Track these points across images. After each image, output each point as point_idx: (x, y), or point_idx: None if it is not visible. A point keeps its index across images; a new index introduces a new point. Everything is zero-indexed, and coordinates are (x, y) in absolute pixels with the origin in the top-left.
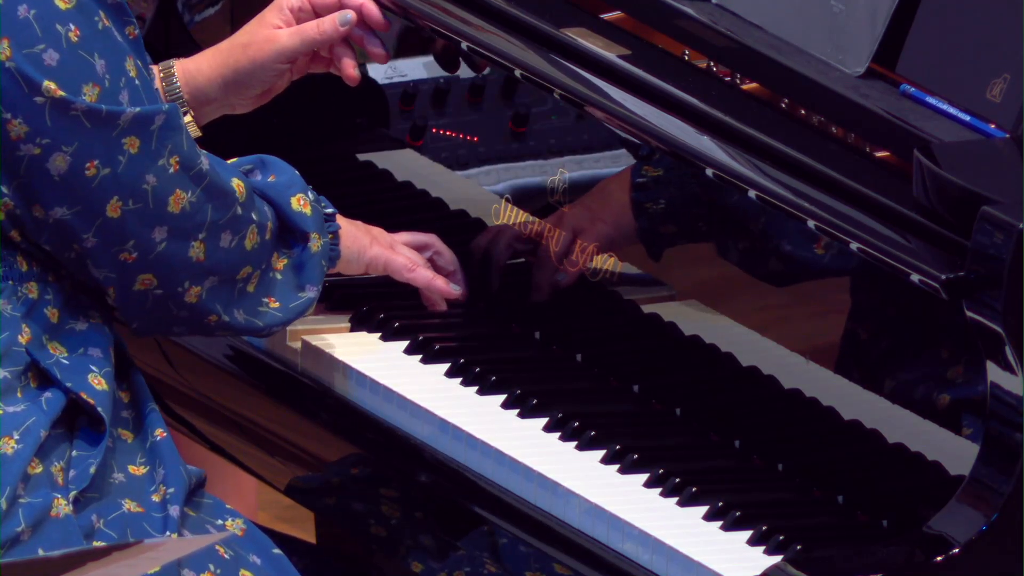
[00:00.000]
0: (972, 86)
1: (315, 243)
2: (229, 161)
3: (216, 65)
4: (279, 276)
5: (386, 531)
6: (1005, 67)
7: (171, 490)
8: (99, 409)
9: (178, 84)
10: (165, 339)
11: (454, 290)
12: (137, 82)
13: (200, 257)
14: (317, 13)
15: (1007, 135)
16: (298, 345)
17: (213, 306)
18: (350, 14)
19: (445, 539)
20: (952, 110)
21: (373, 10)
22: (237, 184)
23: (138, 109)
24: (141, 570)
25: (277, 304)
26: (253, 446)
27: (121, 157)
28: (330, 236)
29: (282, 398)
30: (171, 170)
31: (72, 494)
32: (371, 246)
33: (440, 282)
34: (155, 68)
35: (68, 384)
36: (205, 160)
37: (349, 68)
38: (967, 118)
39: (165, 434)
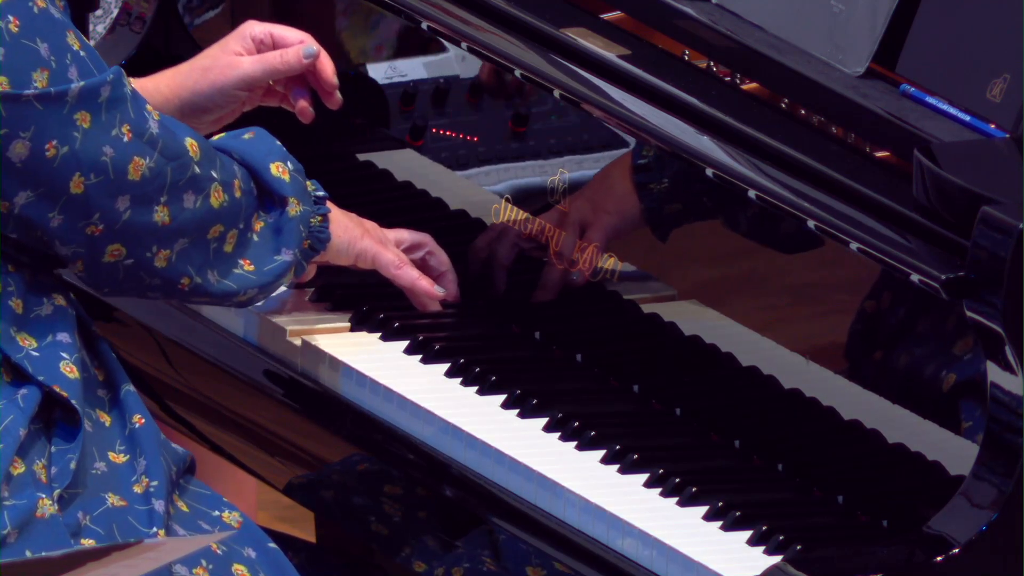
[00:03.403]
0: (972, 86)
1: (293, 208)
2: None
3: (175, 86)
4: (256, 238)
5: (387, 530)
6: (1005, 67)
7: (154, 483)
8: (73, 401)
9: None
10: (165, 339)
11: (438, 291)
12: (82, 53)
13: (165, 220)
14: (277, 46)
15: (1007, 135)
16: (298, 345)
17: (184, 268)
18: (314, 47)
19: (445, 538)
20: (952, 110)
21: (326, 65)
22: (191, 143)
23: (83, 83)
24: (141, 570)
25: (252, 267)
26: (253, 446)
27: (76, 133)
28: (320, 218)
29: (282, 398)
30: (125, 139)
31: (56, 492)
32: (362, 238)
33: (424, 283)
34: None
35: (41, 378)
36: (155, 124)
37: (303, 105)
38: (967, 118)
39: (144, 420)
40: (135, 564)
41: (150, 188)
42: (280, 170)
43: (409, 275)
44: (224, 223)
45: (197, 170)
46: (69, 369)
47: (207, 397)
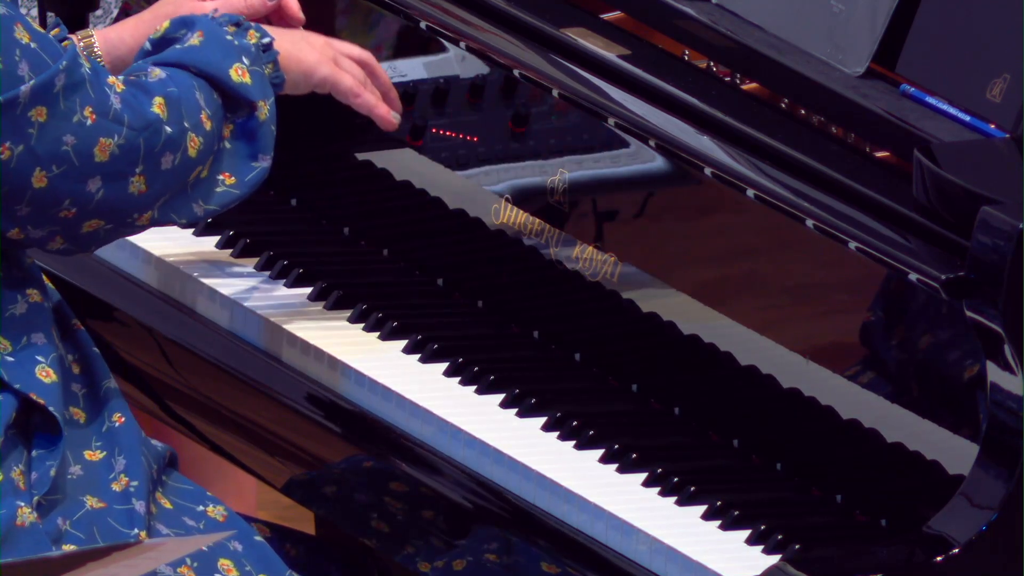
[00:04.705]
0: (972, 86)
1: (262, 111)
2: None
3: (139, 35)
4: (228, 145)
5: (387, 528)
6: (1005, 67)
7: (134, 483)
8: (51, 409)
9: (99, 54)
10: (165, 339)
11: (395, 118)
12: (33, 45)
13: (142, 189)
14: None
15: (1007, 135)
16: (296, 343)
17: (169, 216)
18: None
19: (444, 537)
20: (952, 110)
21: (291, 3)
22: (158, 104)
23: (33, 82)
24: (141, 570)
25: (233, 179)
26: (252, 445)
27: (31, 130)
28: (271, 66)
29: (281, 397)
30: (88, 122)
31: (35, 499)
32: (317, 67)
33: (383, 109)
34: (74, 37)
35: (17, 385)
36: (116, 98)
37: None
38: (967, 118)
39: (124, 419)
40: (135, 564)
41: (122, 164)
42: (241, 72)
43: (368, 101)
44: (202, 163)
45: (169, 130)
46: (45, 374)
47: (207, 397)
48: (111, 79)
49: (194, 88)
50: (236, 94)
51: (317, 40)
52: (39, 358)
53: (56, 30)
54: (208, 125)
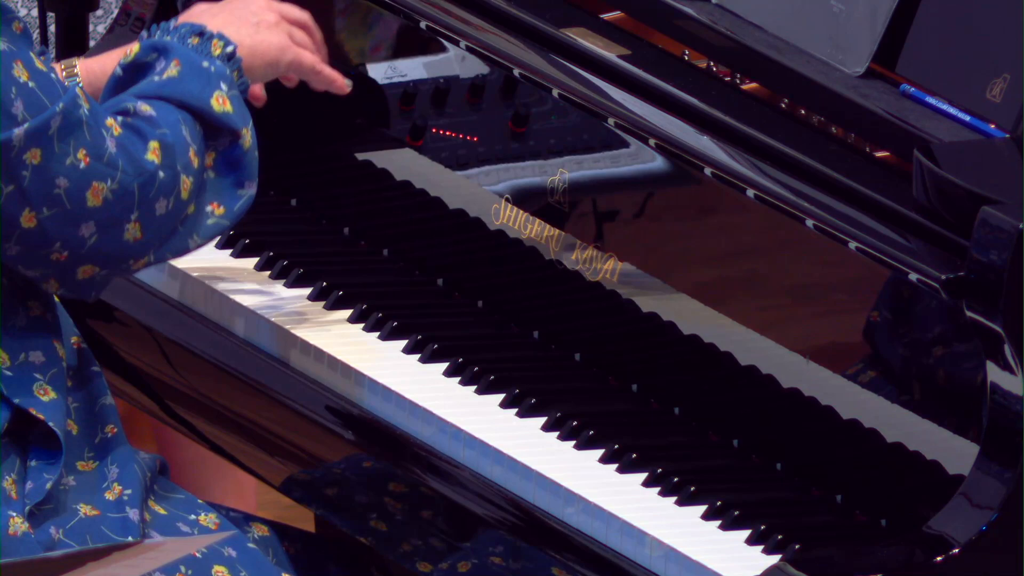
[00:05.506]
0: (972, 86)
1: (245, 139)
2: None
3: None
4: (212, 174)
5: (387, 528)
6: (1005, 67)
7: (128, 491)
8: (51, 424)
9: (80, 85)
10: (165, 339)
11: (347, 84)
12: (31, 84)
13: (138, 236)
14: None
15: (1007, 135)
16: (296, 344)
17: (164, 256)
18: None
19: (444, 537)
20: (952, 110)
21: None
22: (153, 149)
23: (27, 125)
24: (141, 570)
25: (222, 210)
26: (252, 445)
27: (25, 172)
28: (236, 72)
29: (281, 397)
30: (82, 165)
31: (27, 508)
32: (280, 56)
33: (341, 81)
34: (57, 66)
35: (16, 400)
36: (112, 142)
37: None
38: (967, 118)
39: (116, 430)
40: (135, 564)
41: (116, 210)
42: (222, 101)
43: (329, 74)
44: (193, 201)
45: (163, 176)
46: (43, 391)
47: (207, 397)
48: (109, 121)
49: (180, 123)
50: (219, 124)
51: (267, 15)
52: (36, 375)
53: (42, 58)
54: (196, 162)
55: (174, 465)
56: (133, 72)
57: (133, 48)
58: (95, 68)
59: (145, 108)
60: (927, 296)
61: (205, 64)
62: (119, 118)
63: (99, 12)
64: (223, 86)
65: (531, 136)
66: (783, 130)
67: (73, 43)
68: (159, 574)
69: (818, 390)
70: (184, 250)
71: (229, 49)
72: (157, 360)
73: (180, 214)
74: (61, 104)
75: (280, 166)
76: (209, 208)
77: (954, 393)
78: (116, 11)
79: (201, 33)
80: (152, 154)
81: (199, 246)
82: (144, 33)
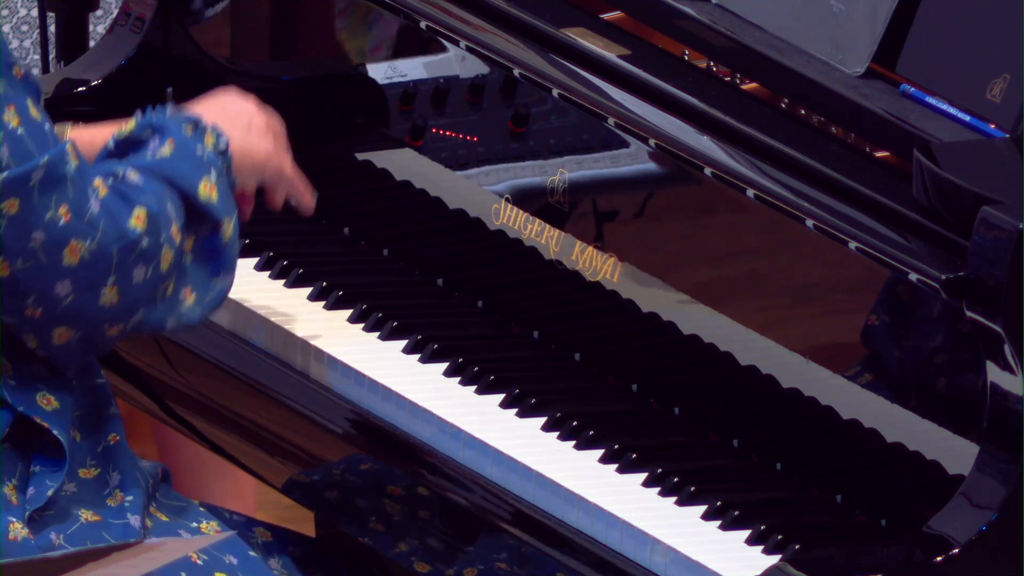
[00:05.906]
0: (972, 86)
1: (226, 231)
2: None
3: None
4: (189, 259)
5: (386, 528)
6: (1005, 67)
7: (129, 498)
8: (55, 432)
9: (72, 142)
10: (165, 339)
11: (312, 206)
12: (20, 131)
13: (114, 300)
14: None
15: (1007, 135)
16: (296, 343)
17: (140, 328)
18: None
19: (445, 538)
20: (952, 110)
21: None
22: (138, 216)
23: (7, 174)
24: (141, 570)
25: (193, 297)
26: (252, 445)
27: (1, 220)
28: (225, 167)
29: (280, 397)
30: (62, 221)
31: (27, 514)
32: (267, 162)
33: (310, 200)
34: None
35: (20, 408)
36: (97, 203)
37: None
38: (967, 118)
39: (119, 438)
40: (135, 564)
41: (93, 272)
42: (209, 189)
43: (303, 189)
44: (171, 276)
45: (145, 244)
46: (46, 401)
47: (207, 397)
48: (97, 181)
49: (167, 198)
50: (202, 210)
51: (257, 119)
52: (40, 385)
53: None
54: (178, 238)
55: (174, 466)
56: (126, 147)
57: (128, 124)
58: (84, 138)
59: (134, 175)
60: (927, 297)
61: (199, 151)
62: (108, 179)
63: (99, 12)
64: (212, 174)
65: (531, 136)
66: (783, 130)
67: (73, 43)
68: None
69: (818, 390)
70: (160, 327)
71: (222, 142)
72: (157, 360)
73: (159, 285)
74: (47, 157)
75: None
76: (183, 294)
77: (954, 393)
78: (116, 11)
79: (196, 123)
80: (136, 220)
81: (175, 329)
82: (139, 113)
